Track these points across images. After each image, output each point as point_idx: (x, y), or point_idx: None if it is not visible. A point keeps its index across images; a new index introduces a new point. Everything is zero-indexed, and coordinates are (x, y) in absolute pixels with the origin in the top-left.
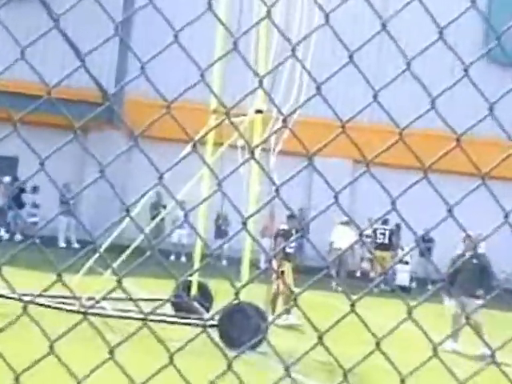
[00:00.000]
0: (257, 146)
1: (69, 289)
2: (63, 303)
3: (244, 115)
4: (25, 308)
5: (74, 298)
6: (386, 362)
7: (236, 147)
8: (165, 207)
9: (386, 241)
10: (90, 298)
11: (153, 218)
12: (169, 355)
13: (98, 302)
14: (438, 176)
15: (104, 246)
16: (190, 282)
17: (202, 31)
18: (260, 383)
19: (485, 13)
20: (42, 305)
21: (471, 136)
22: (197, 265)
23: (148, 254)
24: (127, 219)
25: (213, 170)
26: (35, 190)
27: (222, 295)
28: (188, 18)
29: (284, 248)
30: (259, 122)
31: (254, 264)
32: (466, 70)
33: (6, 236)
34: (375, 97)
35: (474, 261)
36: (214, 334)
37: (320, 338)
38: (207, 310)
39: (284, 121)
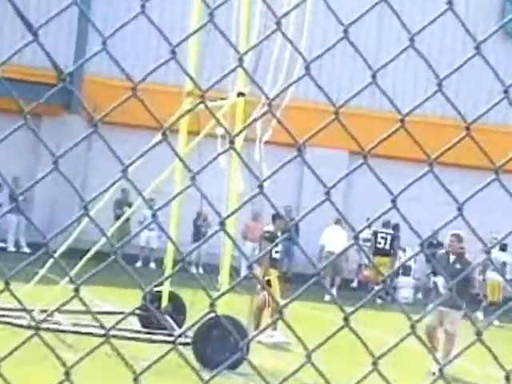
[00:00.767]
0: (237, 134)
1: (17, 300)
2: (11, 316)
3: (224, 99)
4: None
5: (24, 310)
6: None
7: (217, 137)
8: (131, 206)
9: (387, 246)
10: (42, 311)
11: (117, 218)
12: (134, 376)
13: (51, 314)
14: (448, 169)
15: (60, 251)
16: (160, 292)
17: (174, 3)
18: None
19: None
20: None
21: (484, 124)
22: (168, 272)
23: (110, 259)
24: (87, 219)
25: (184, 162)
26: None
27: (198, 308)
28: None
29: (270, 253)
30: (242, 106)
31: (235, 272)
32: (477, 47)
33: None
34: (374, 77)
35: (458, 266)
36: (188, 352)
37: (308, 356)
38: (180, 325)
39: (269, 105)
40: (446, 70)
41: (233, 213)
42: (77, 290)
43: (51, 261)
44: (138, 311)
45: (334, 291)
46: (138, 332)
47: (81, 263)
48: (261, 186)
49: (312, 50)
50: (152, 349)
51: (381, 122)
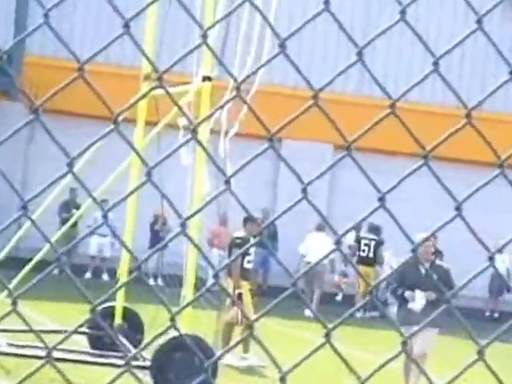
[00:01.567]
0: (200, 123)
1: None
2: None
3: (188, 84)
4: None
5: None
6: None
7: (179, 128)
8: (79, 208)
9: (371, 254)
10: None
11: (64, 223)
12: None
13: None
14: (445, 164)
15: None
16: (113, 307)
17: None
18: None
19: None
20: None
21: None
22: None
23: (52, 266)
24: (28, 223)
25: (140, 155)
26: None
27: (159, 326)
28: None
29: (241, 263)
30: (208, 92)
31: (202, 284)
32: (479, 21)
33: None
34: (360, 53)
35: (434, 275)
36: (146, 376)
37: (282, 379)
38: (137, 346)
39: (238, 89)
40: (446, 53)
41: (196, 212)
42: (15, 303)
43: None
44: (86, 329)
45: (313, 306)
46: (88, 354)
47: (21, 274)
48: (228, 182)
49: (287, 27)
50: (103, 373)
51: (370, 110)
